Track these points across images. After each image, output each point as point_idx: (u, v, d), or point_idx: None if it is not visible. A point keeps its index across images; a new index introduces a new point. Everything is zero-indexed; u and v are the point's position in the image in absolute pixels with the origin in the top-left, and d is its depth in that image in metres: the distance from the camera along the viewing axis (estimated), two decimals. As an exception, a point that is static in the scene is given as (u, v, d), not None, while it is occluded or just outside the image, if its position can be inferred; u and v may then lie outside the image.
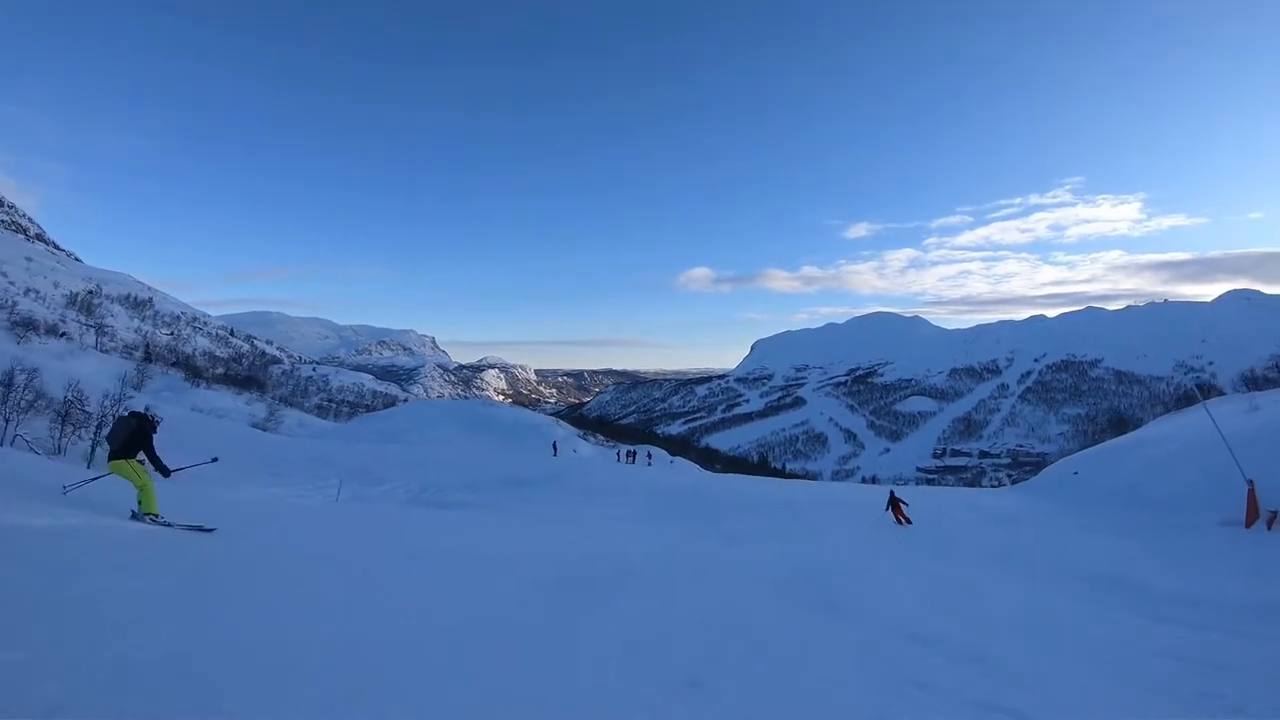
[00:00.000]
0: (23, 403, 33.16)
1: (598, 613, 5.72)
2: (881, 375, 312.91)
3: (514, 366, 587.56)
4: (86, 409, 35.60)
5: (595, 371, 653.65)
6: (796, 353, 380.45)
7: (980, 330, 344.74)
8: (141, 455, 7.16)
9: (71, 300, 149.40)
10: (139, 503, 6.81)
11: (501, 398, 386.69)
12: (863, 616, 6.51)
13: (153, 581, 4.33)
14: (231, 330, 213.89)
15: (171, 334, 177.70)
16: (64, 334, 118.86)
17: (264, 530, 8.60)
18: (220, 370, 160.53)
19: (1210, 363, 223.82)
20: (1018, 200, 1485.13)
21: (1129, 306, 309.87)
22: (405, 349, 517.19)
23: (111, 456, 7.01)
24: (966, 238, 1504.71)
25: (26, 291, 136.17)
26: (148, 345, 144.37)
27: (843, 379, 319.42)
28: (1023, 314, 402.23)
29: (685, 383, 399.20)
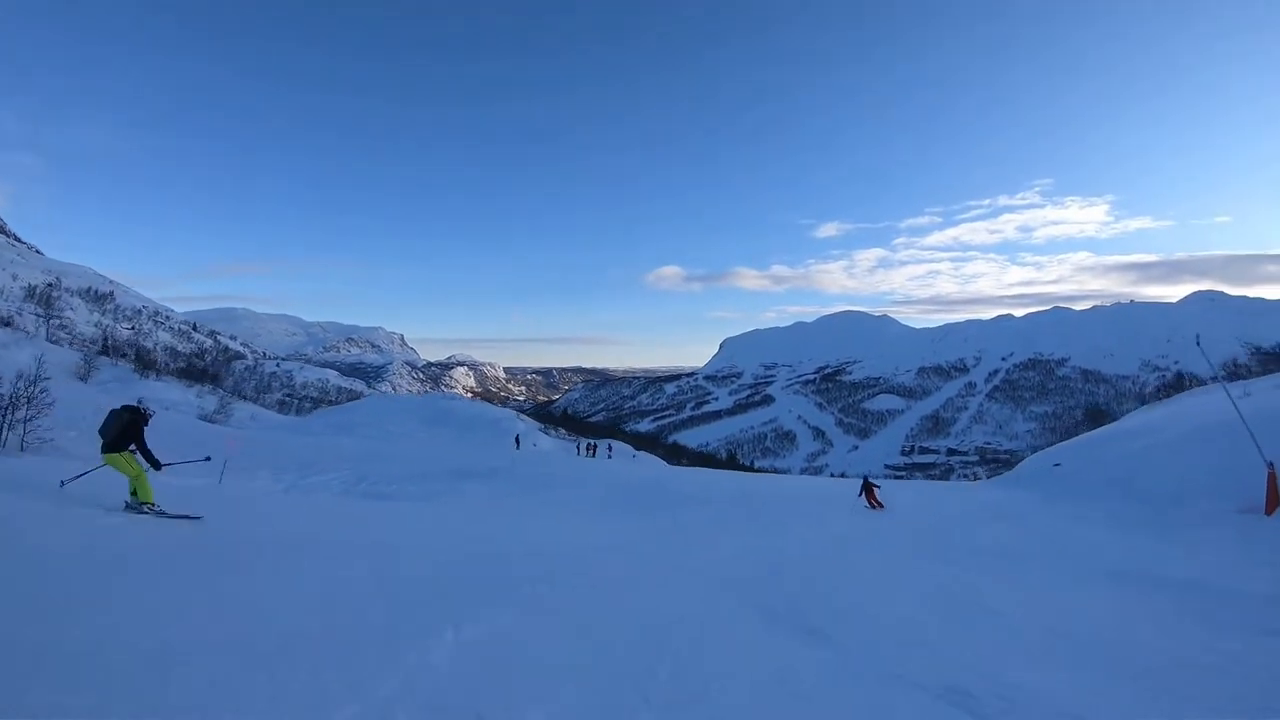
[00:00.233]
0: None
1: (445, 631, 3.82)
2: (850, 374, 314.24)
3: (483, 364, 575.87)
4: None
5: (564, 369, 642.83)
6: (765, 351, 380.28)
7: (948, 329, 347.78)
8: (134, 447, 7.27)
9: (30, 293, 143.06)
10: (132, 493, 6.99)
11: (470, 395, 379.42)
12: (847, 642, 4.73)
13: None
14: (194, 325, 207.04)
15: (133, 328, 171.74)
16: (9, 323, 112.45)
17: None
18: (181, 365, 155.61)
19: (1176, 362, 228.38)
20: (987, 201, 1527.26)
21: (1095, 307, 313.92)
22: (374, 346, 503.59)
23: (105, 449, 7.16)
24: (935, 238, 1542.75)
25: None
26: (106, 339, 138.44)
27: (811, 377, 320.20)
28: (990, 314, 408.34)
29: (654, 380, 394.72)
